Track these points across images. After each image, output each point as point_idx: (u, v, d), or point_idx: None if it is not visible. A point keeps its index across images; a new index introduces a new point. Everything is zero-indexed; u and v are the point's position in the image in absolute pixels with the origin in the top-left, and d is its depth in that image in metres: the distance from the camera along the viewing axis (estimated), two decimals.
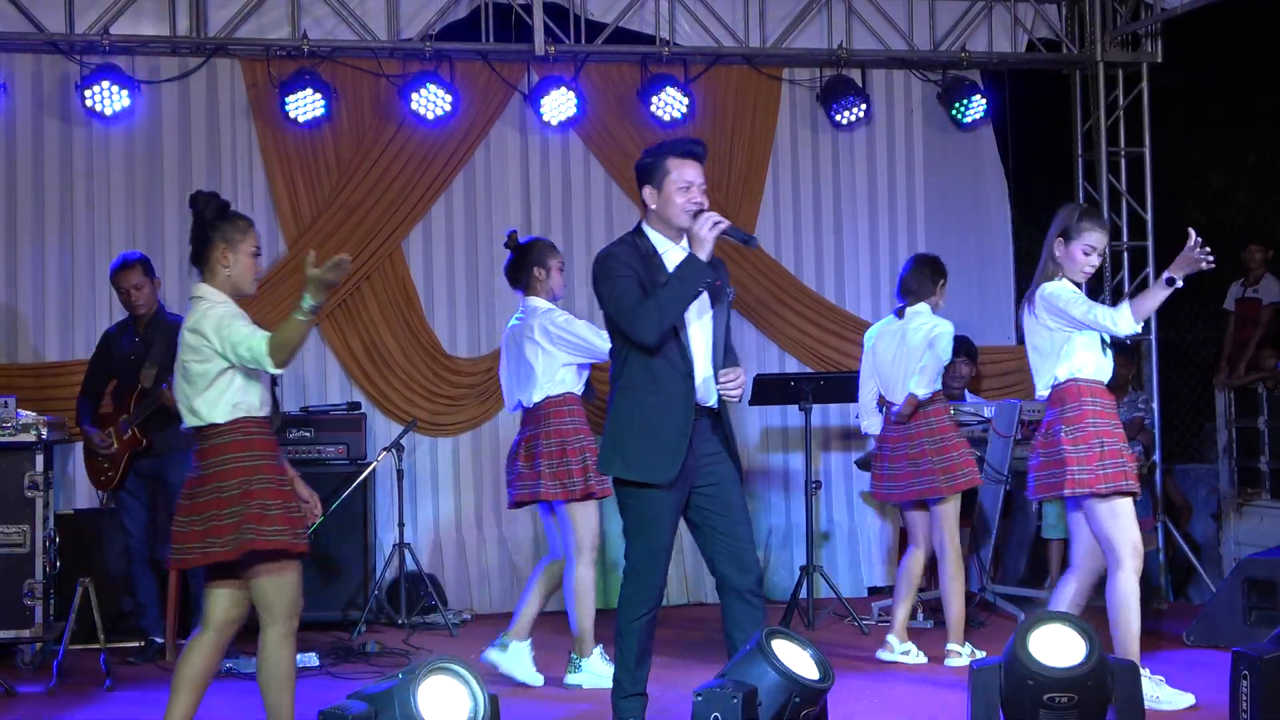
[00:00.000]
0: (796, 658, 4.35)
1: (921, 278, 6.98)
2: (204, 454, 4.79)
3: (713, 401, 5.01)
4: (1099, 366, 5.78)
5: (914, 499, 6.94)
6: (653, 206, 5.02)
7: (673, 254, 4.96)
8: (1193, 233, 5.55)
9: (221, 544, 4.70)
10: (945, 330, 6.86)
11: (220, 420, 4.75)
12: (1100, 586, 5.83)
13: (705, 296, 5.00)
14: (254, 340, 4.67)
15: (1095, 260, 5.79)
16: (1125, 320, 5.62)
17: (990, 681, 4.52)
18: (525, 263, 6.65)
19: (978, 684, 4.57)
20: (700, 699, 4.25)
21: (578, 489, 6.46)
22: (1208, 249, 5.55)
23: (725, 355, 5.08)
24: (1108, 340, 5.78)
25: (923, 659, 6.90)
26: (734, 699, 4.17)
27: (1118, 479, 5.67)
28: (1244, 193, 11.90)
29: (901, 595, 7.00)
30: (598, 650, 6.55)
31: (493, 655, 6.64)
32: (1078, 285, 5.82)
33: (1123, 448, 5.73)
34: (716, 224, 4.88)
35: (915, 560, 7.03)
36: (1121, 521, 5.69)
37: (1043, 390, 5.86)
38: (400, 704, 3.82)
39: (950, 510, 6.87)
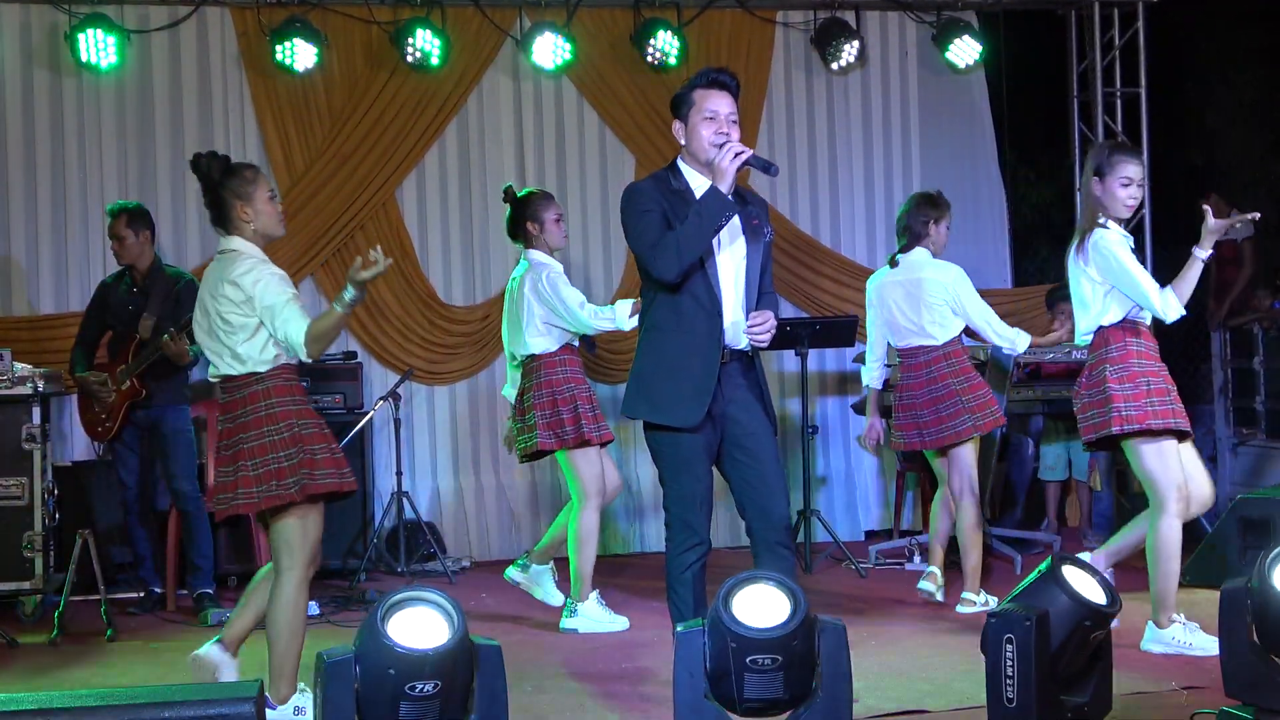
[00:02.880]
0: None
1: (918, 218, 6.87)
2: (245, 401, 4.88)
3: (743, 345, 4.84)
4: (1139, 311, 5.73)
5: (948, 444, 6.80)
6: (681, 140, 4.90)
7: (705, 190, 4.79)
8: (1210, 213, 5.57)
9: (281, 487, 4.80)
10: (959, 276, 6.80)
11: (263, 369, 4.87)
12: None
13: (740, 234, 4.85)
14: (292, 327, 4.78)
15: (1135, 192, 5.71)
16: (1174, 308, 5.61)
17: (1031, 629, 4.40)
18: (520, 217, 6.70)
19: (998, 635, 4.50)
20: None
21: (570, 437, 6.54)
22: (1250, 216, 5.63)
23: (761, 299, 4.91)
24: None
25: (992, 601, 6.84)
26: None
27: (1166, 415, 5.64)
28: (1241, 132, 11.84)
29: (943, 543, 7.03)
30: (594, 595, 6.63)
31: (512, 572, 6.89)
32: (1122, 222, 5.77)
33: (1169, 388, 5.69)
34: (738, 154, 4.70)
35: (950, 507, 6.97)
36: (1168, 462, 5.68)
37: (1084, 335, 5.84)
38: (370, 632, 3.83)
39: (970, 453, 6.78)
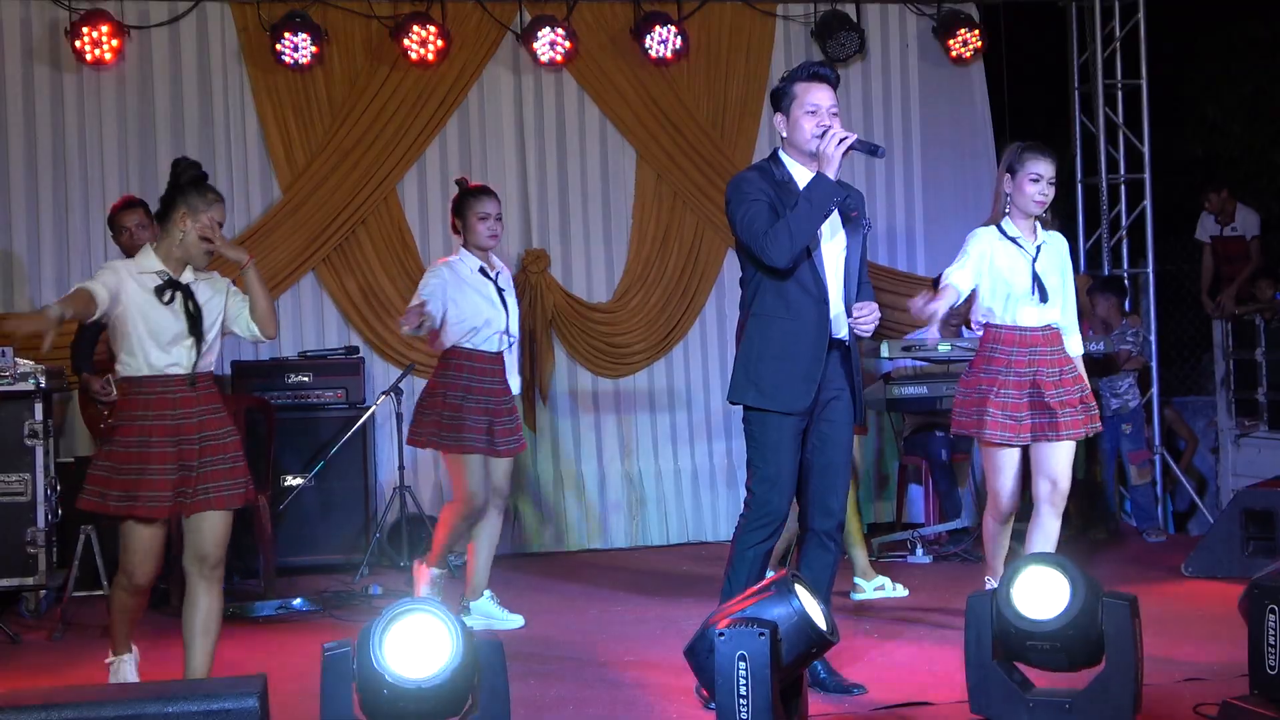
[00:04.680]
0: (812, 606, 4.33)
1: None
2: None
3: (843, 334, 4.98)
4: (1014, 313, 5.79)
5: None
6: (783, 133, 5.00)
7: (807, 180, 4.89)
8: None
9: (88, 493, 4.99)
10: None
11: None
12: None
13: (839, 222, 4.96)
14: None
15: (1044, 189, 5.83)
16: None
17: (984, 611, 4.53)
18: (455, 213, 6.69)
19: (973, 613, 4.56)
20: (723, 637, 4.13)
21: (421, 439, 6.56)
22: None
23: (861, 288, 5.03)
24: (1039, 286, 5.80)
25: (902, 591, 7.00)
26: (761, 636, 4.09)
27: (971, 427, 5.78)
28: (1241, 123, 11.83)
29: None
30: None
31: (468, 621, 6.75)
32: (1038, 219, 5.90)
33: (1005, 398, 5.71)
34: (842, 140, 4.81)
35: None
36: (989, 468, 5.81)
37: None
38: (364, 645, 3.81)
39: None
